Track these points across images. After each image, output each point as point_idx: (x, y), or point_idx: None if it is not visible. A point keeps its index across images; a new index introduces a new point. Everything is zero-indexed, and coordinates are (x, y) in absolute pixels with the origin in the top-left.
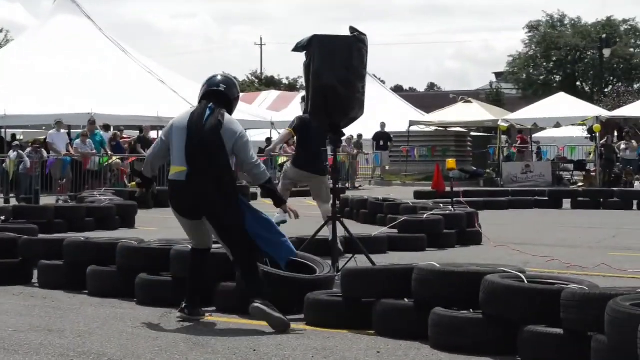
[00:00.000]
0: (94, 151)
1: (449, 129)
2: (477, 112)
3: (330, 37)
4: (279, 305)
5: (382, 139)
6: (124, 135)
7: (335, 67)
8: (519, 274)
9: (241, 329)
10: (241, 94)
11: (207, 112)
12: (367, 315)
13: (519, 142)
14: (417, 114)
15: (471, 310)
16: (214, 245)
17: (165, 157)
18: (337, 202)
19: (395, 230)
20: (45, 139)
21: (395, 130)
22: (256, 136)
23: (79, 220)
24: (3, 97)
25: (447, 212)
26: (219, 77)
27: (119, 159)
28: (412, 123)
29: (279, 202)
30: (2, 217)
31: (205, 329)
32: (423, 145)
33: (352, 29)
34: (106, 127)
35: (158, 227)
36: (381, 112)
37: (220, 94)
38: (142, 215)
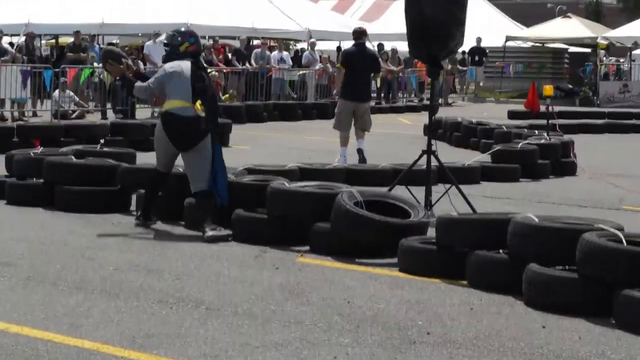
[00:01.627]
0: None
1: (545, 45)
2: (575, 28)
3: None
4: (371, 248)
5: (477, 54)
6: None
7: None
8: (618, 232)
9: (335, 276)
10: (334, 2)
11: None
12: (461, 264)
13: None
14: (514, 27)
15: (567, 267)
16: (306, 185)
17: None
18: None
19: (489, 159)
20: (142, 47)
21: (491, 45)
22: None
23: None
24: (101, 6)
25: (542, 141)
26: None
27: (215, 71)
28: (508, 38)
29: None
30: (102, 140)
31: (299, 274)
32: (519, 61)
33: None
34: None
35: (251, 145)
36: (477, 26)
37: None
38: (236, 131)
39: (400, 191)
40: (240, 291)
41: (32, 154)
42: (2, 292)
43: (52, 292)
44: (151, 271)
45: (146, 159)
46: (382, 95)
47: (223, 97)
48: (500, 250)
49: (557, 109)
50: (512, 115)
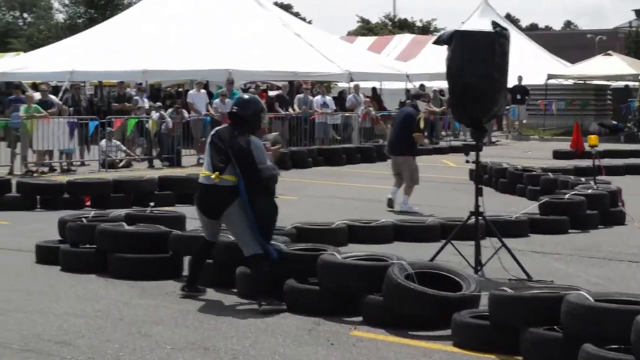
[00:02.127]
0: None
1: (587, 82)
2: (617, 66)
3: (471, 32)
4: (424, 321)
5: (519, 92)
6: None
7: (477, 63)
8: None
9: (389, 352)
10: (373, 39)
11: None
12: (515, 340)
13: None
14: (555, 62)
15: (623, 347)
16: (356, 256)
17: None
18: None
19: (537, 212)
20: (185, 97)
21: (533, 83)
22: (390, 88)
23: None
24: (143, 54)
25: (589, 191)
26: (237, 98)
27: None
28: (550, 76)
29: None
30: (152, 203)
31: (354, 350)
32: (561, 98)
33: (495, 24)
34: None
35: (297, 195)
36: (518, 63)
37: (234, 115)
38: (281, 178)
39: (449, 249)
40: None
41: (84, 221)
42: None
43: None
44: (207, 350)
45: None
46: (426, 136)
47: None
48: (556, 327)
49: (601, 146)
50: (558, 155)
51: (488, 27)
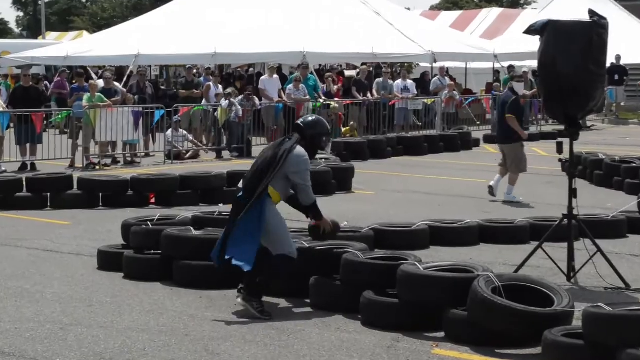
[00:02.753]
0: (307, 97)
1: None
2: None
3: (567, 22)
4: (512, 339)
5: (617, 72)
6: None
7: (572, 55)
8: None
9: None
10: (457, 13)
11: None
12: None
13: None
14: None
15: None
16: (439, 267)
17: None
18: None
19: (636, 210)
20: (256, 80)
21: (632, 62)
22: (476, 68)
23: None
24: (212, 36)
25: None
26: (308, 116)
27: (335, 103)
28: None
29: (320, 217)
30: (220, 205)
31: None
32: None
33: (592, 13)
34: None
35: (374, 189)
36: (616, 42)
37: (298, 128)
38: (358, 170)
39: (540, 253)
40: None
41: (149, 224)
42: None
43: None
44: None
45: None
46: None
47: (343, 130)
48: None
49: None
50: None
51: (584, 16)
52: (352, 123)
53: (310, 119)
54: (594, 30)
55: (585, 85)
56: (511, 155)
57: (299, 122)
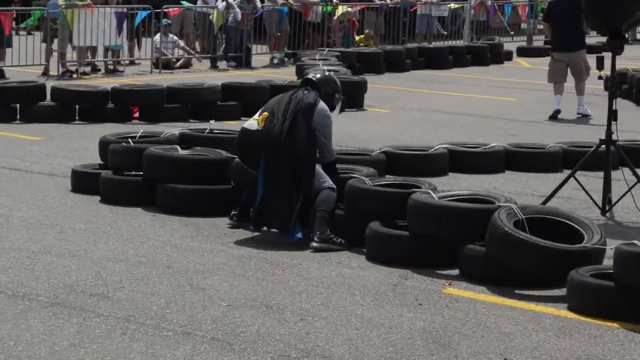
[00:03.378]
0: None
1: None
2: None
3: None
4: (534, 278)
5: None
6: None
7: None
8: None
9: (489, 317)
10: None
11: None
12: None
13: None
14: None
15: None
16: (456, 196)
17: None
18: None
19: None
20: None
21: None
22: None
23: None
24: None
25: None
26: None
27: (349, 7)
28: None
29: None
30: (212, 121)
31: (446, 313)
32: None
33: None
34: None
35: (389, 107)
36: None
37: (311, 82)
38: (373, 85)
39: (573, 182)
40: (376, 340)
41: (130, 142)
42: (99, 339)
43: (155, 341)
44: (270, 308)
45: None
46: None
47: (357, 38)
48: None
49: None
50: None
51: None
52: (367, 31)
53: (320, 75)
54: None
55: None
56: (581, 62)
57: (311, 77)
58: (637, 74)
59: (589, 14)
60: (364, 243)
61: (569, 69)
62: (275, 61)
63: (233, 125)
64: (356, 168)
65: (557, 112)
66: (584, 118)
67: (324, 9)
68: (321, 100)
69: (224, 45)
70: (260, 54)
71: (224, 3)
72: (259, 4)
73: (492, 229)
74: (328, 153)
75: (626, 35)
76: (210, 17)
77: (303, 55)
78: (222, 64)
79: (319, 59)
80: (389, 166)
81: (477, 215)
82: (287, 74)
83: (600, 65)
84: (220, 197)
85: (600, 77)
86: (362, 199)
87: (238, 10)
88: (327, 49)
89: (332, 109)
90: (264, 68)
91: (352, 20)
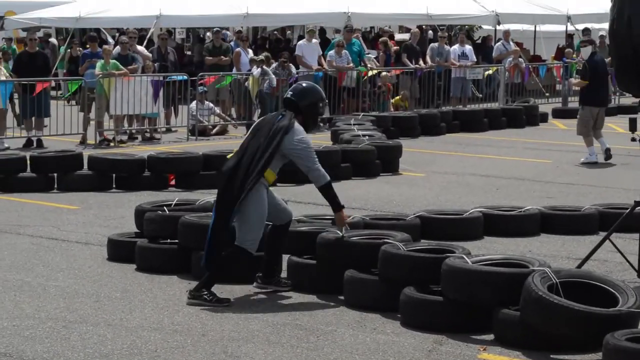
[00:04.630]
0: (351, 64)
1: None
2: None
3: None
4: (570, 342)
5: None
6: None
7: None
8: None
9: None
10: None
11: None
12: None
13: None
14: None
15: None
16: (490, 260)
17: None
18: None
19: None
20: (294, 50)
21: None
22: (546, 31)
23: (333, 167)
24: None
25: None
26: (296, 86)
27: (386, 72)
28: None
29: (337, 208)
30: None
31: None
32: None
33: None
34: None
35: (424, 170)
36: None
37: (289, 102)
38: (407, 149)
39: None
40: None
41: (166, 210)
42: None
43: None
44: None
45: (300, 209)
46: None
47: (393, 100)
48: None
49: None
50: None
51: None
52: (403, 92)
53: (299, 87)
54: None
55: None
56: (604, 117)
57: (288, 95)
58: None
59: (620, 75)
60: (399, 309)
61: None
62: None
63: None
64: (390, 233)
65: (607, 150)
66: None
67: (358, 75)
68: (295, 124)
69: (259, 111)
70: None
71: (259, 69)
72: (294, 70)
73: (526, 293)
74: (315, 178)
75: None
76: (246, 84)
77: (338, 120)
78: None
79: (354, 124)
80: (424, 231)
81: (510, 279)
82: (322, 139)
83: (633, 126)
84: (255, 263)
85: (633, 139)
86: (396, 264)
87: (273, 76)
88: (362, 113)
89: (320, 115)
90: None
91: (387, 85)
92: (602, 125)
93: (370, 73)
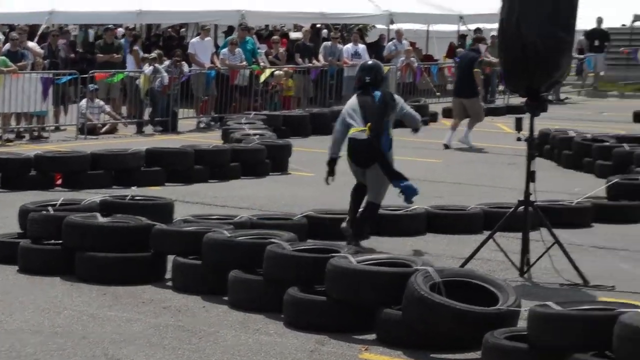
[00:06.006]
0: (244, 62)
1: None
2: None
3: None
4: (451, 341)
5: (597, 37)
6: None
7: (538, 18)
8: None
9: None
10: None
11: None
12: None
13: None
14: None
15: None
16: (375, 260)
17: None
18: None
19: (604, 196)
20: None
21: (615, 25)
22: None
23: (222, 166)
24: None
25: None
26: (366, 67)
27: (275, 70)
28: (636, 17)
29: None
30: (134, 187)
31: None
32: None
33: None
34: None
35: (314, 170)
36: (597, 2)
37: (369, 85)
38: (298, 148)
39: (493, 244)
40: None
41: (50, 210)
42: None
43: None
44: None
45: (187, 209)
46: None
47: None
48: (607, 353)
49: None
50: (639, 118)
51: None
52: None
53: (368, 65)
54: None
55: (552, 53)
56: (474, 107)
57: (366, 80)
58: (558, 134)
59: (508, 76)
60: (283, 309)
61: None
62: (202, 125)
63: (156, 191)
64: (277, 233)
65: (445, 146)
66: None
67: (255, 74)
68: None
69: (150, 110)
70: (187, 118)
71: (151, 67)
72: (186, 68)
73: (408, 292)
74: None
75: (550, 96)
76: (137, 81)
77: (229, 119)
78: (148, 129)
79: (245, 123)
80: (311, 230)
81: (393, 279)
82: (213, 138)
83: (518, 126)
84: (140, 264)
85: (519, 139)
86: (281, 264)
87: (165, 74)
88: (254, 112)
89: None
90: (190, 132)
91: (280, 84)
92: (470, 114)
93: (265, 74)
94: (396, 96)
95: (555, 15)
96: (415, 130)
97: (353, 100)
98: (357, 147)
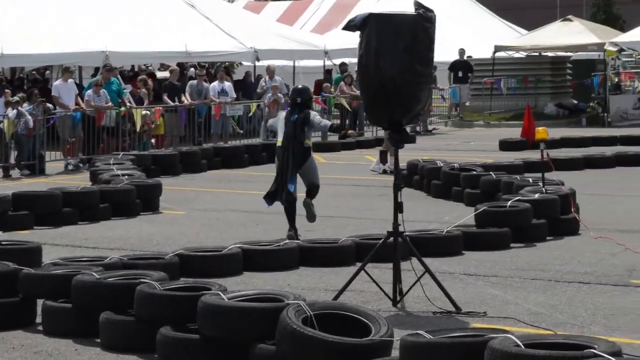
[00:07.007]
0: (110, 103)
1: (543, 54)
2: (577, 34)
3: (389, 15)
4: None
5: (461, 69)
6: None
7: (396, 53)
8: None
9: None
10: (287, 4)
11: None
12: None
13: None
14: (506, 31)
15: None
16: (245, 296)
17: None
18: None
19: (473, 224)
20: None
21: (478, 57)
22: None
23: (92, 208)
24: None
25: (537, 195)
26: (298, 90)
27: (145, 110)
28: (497, 48)
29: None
30: (0, 232)
31: None
32: (512, 75)
33: (417, 5)
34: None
35: (185, 208)
36: (460, 34)
37: (299, 104)
38: (168, 187)
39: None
40: None
41: None
42: None
43: None
44: None
45: (57, 252)
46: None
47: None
48: None
49: (559, 132)
50: (505, 145)
51: (409, 9)
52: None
53: (300, 89)
54: (420, 24)
55: (411, 87)
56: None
57: (297, 100)
58: (427, 164)
59: (369, 108)
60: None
61: None
62: (70, 167)
63: (24, 235)
64: (147, 273)
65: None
66: None
67: (118, 113)
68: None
69: (16, 154)
70: (54, 161)
71: (15, 111)
72: (50, 109)
73: (281, 327)
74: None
75: (417, 127)
76: (1, 125)
77: (97, 160)
78: (15, 173)
79: (113, 163)
80: (183, 269)
81: (266, 314)
82: (81, 180)
83: (383, 159)
84: (9, 310)
85: (384, 171)
86: (152, 304)
87: (30, 117)
88: (122, 152)
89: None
90: (58, 175)
91: (148, 124)
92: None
93: (138, 121)
94: (312, 113)
95: (413, 48)
96: (334, 131)
97: (282, 114)
98: (279, 153)
